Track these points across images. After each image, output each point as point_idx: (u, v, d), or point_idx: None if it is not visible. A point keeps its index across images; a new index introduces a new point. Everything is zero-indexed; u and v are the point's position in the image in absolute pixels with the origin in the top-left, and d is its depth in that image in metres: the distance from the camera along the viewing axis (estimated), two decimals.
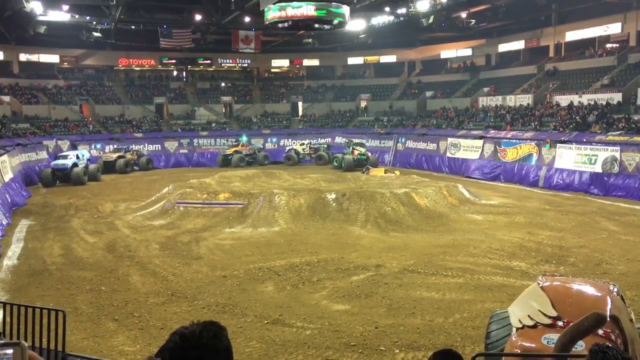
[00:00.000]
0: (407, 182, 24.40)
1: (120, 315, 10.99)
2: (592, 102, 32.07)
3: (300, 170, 33.50)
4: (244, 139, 42.50)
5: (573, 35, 40.10)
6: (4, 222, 19.38)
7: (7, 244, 17.14)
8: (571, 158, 27.35)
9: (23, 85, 44.74)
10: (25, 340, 6.81)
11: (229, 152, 40.23)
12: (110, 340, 9.79)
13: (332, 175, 27.77)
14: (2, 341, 2.47)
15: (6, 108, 40.45)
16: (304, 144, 41.70)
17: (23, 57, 46.30)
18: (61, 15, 36.94)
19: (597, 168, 25.83)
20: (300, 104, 52.56)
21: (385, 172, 30.52)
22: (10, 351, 1.74)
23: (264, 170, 29.86)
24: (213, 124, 47.38)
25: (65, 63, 49.68)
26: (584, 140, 27.62)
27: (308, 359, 8.85)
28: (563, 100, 34.70)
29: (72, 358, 5.78)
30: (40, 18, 36.29)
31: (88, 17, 39.92)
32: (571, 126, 30.49)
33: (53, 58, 47.92)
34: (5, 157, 26.59)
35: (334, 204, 20.10)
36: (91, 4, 37.76)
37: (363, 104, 50.92)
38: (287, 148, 42.69)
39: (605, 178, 25.36)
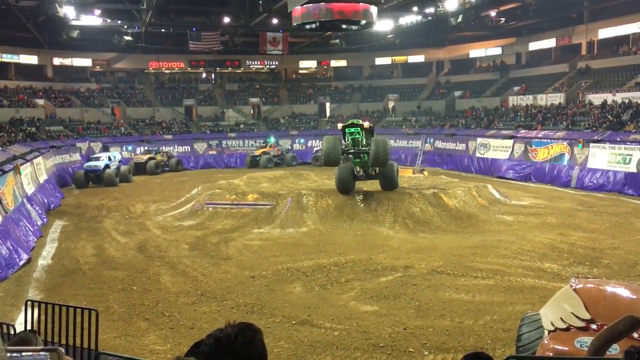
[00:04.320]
0: (436, 182, 24.19)
1: (151, 314, 11.15)
2: (627, 101, 31.34)
3: (327, 171, 33.39)
4: (272, 140, 42.72)
5: (606, 32, 39.22)
6: (38, 223, 19.84)
7: (42, 244, 17.55)
8: (605, 158, 26.76)
9: (56, 89, 45.74)
10: (59, 338, 6.97)
11: (257, 153, 40.49)
12: (141, 339, 9.94)
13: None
14: (39, 346, 2.52)
15: (40, 111, 41.41)
16: None
17: (56, 61, 47.35)
18: (93, 19, 37.66)
19: (632, 168, 25.22)
20: (327, 104, 52.59)
21: (413, 173, 30.34)
22: (46, 354, 1.77)
23: (291, 171, 29.95)
24: (241, 126, 47.73)
25: (97, 67, 50.63)
26: (618, 139, 27.00)
27: (336, 359, 8.85)
28: (596, 99, 33.99)
29: (105, 357, 5.87)
30: (73, 23, 37.08)
31: (119, 22, 40.68)
32: (604, 125, 29.84)
33: (85, 62, 48.93)
34: (39, 159, 27.23)
35: (362, 205, 20.05)
36: (122, 8, 38.44)
37: (391, 104, 50.68)
38: (315, 149, 42.73)
39: None
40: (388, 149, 19.69)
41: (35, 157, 26.66)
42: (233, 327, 1.91)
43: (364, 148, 20.30)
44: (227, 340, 1.84)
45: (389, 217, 19.02)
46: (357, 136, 20.84)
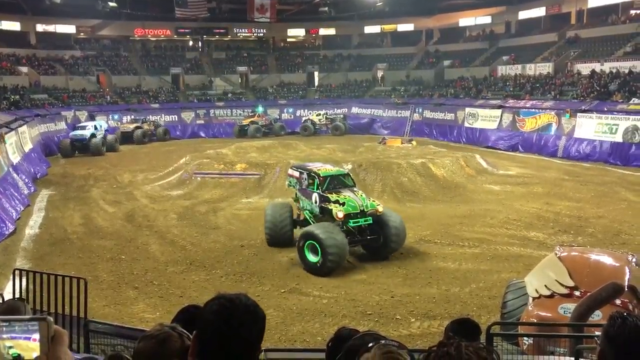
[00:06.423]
0: (424, 152, 24.25)
1: (140, 283, 11.20)
2: (615, 70, 31.37)
3: (316, 140, 33.40)
4: (260, 109, 42.40)
5: (595, 1, 39.04)
6: (25, 192, 19.67)
7: (29, 213, 17.45)
8: (591, 128, 26.92)
9: (40, 56, 44.86)
10: (48, 306, 6.99)
11: (245, 122, 40.17)
12: (130, 307, 10.00)
13: (348, 145, 27.65)
14: (27, 315, 2.52)
15: (24, 79, 40.65)
16: (320, 114, 41.49)
17: (39, 27, 46.36)
18: None
19: (618, 138, 25.42)
20: (316, 74, 52.13)
21: (401, 143, 30.36)
22: (35, 323, 1.76)
23: (280, 141, 29.84)
24: (229, 95, 47.26)
25: (82, 33, 49.64)
26: (605, 109, 27.11)
27: (324, 327, 8.96)
28: (584, 68, 33.98)
29: (94, 324, 5.91)
30: None
31: None
32: (592, 95, 29.93)
33: (69, 28, 47.93)
34: (24, 127, 26.87)
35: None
36: None
37: (380, 73, 50.35)
38: (304, 118, 42.46)
39: (626, 148, 24.98)
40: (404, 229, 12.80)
41: (20, 125, 26.27)
42: (231, 294, 1.95)
43: (371, 237, 12.64)
44: (239, 301, 1.89)
45: (378, 187, 19.06)
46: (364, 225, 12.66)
